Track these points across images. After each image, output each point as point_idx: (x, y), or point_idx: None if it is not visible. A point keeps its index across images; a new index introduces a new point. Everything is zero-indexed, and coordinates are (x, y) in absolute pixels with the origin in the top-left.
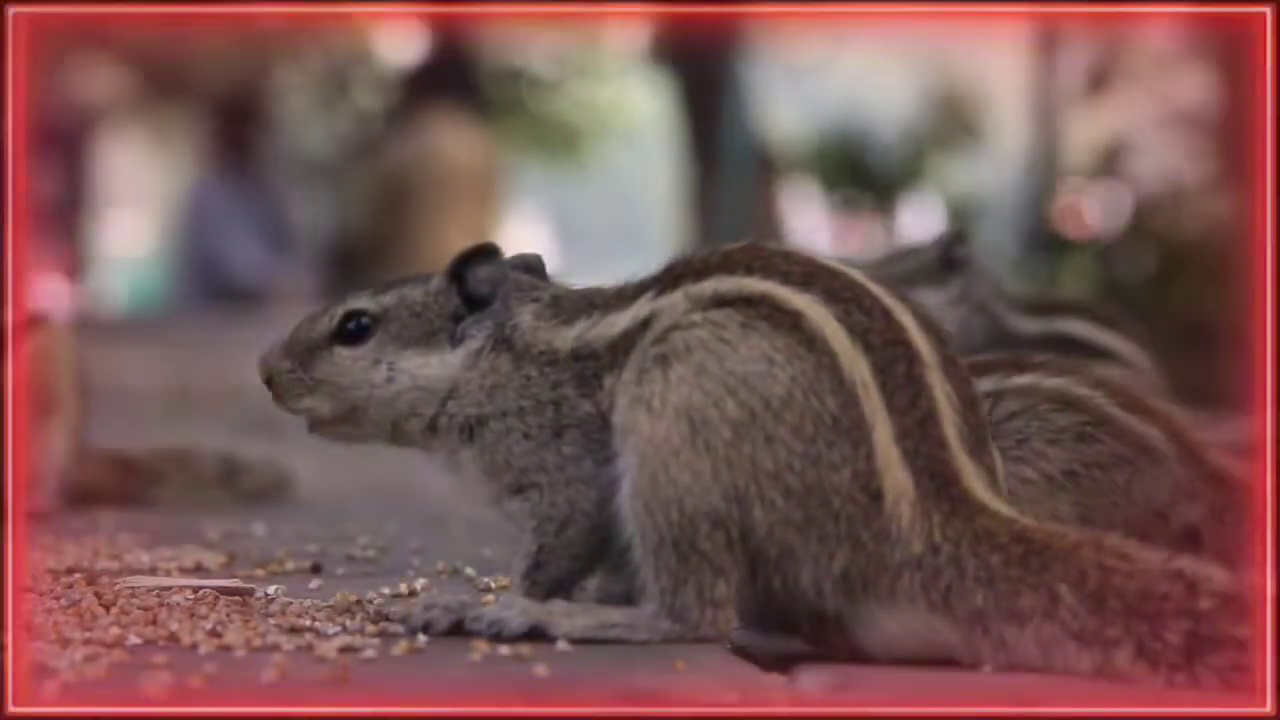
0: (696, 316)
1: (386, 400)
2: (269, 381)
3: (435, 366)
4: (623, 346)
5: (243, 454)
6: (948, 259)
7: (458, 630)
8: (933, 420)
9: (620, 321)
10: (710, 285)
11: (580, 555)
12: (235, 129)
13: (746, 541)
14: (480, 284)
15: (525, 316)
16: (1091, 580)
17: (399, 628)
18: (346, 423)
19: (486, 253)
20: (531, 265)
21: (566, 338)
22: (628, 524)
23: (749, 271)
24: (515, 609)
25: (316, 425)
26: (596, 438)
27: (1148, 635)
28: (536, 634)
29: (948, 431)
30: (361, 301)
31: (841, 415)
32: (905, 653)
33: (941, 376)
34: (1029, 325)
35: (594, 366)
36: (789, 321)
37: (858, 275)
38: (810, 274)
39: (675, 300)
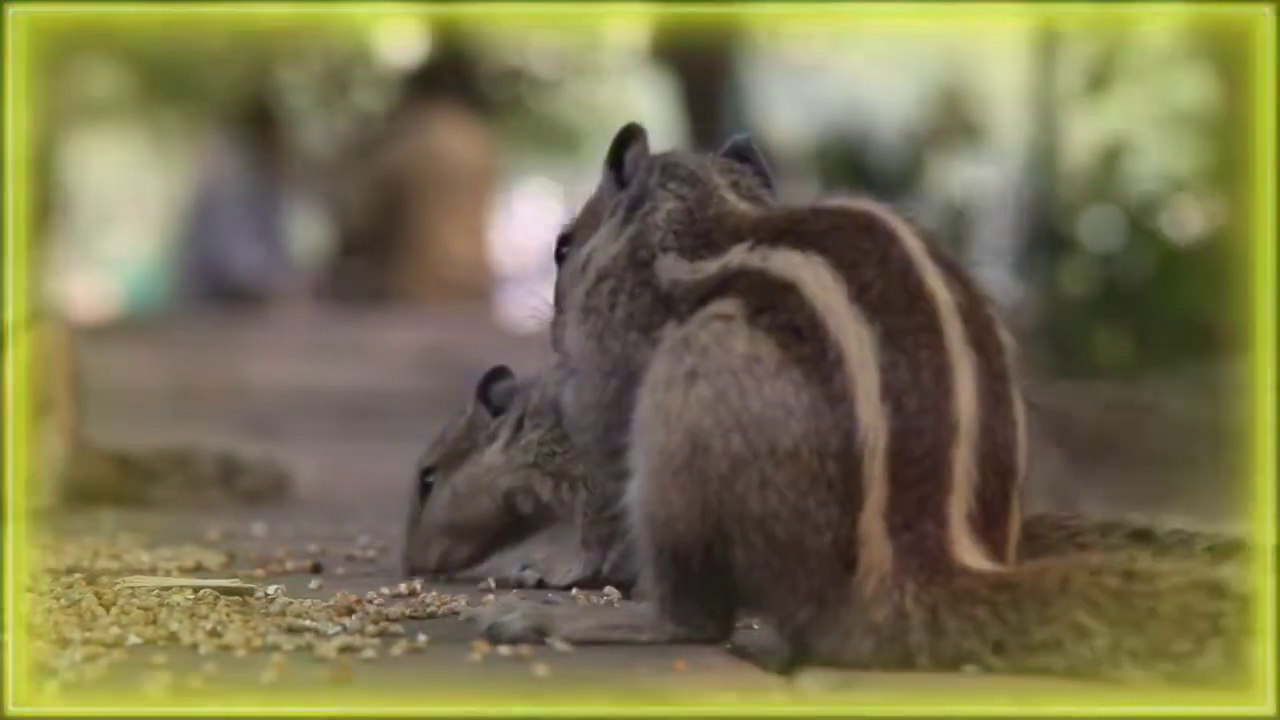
0: (743, 329)
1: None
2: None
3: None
4: (696, 294)
5: (242, 454)
6: None
7: (538, 637)
8: (940, 496)
9: (709, 267)
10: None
11: (590, 451)
12: (258, 132)
13: (726, 575)
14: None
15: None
16: (1106, 603)
17: (399, 628)
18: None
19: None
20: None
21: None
22: (633, 520)
23: (840, 262)
24: (516, 612)
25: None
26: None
27: (1153, 637)
28: (537, 638)
29: (953, 510)
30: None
31: (840, 481)
32: None
33: (975, 447)
34: None
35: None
36: (826, 372)
37: (942, 305)
38: (886, 297)
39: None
